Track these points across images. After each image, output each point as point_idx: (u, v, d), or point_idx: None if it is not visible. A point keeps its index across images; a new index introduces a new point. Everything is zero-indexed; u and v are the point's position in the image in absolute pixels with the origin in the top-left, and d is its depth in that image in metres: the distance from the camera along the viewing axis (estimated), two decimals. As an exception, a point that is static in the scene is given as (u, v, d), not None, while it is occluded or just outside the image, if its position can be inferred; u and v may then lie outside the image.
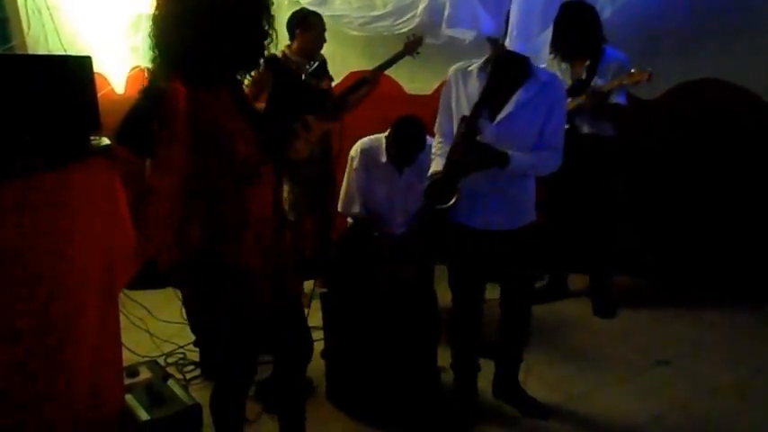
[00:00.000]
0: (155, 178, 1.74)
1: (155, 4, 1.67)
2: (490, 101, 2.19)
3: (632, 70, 2.99)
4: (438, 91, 4.10)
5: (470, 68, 2.28)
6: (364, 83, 3.44)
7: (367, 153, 3.12)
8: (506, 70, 2.18)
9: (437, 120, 2.42)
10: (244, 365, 1.96)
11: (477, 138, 2.16)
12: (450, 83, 2.33)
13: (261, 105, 1.98)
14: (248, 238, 1.75)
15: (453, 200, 2.19)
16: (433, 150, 2.42)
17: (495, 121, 2.20)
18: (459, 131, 2.18)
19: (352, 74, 3.91)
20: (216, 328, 1.89)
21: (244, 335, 1.87)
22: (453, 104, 2.31)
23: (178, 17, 1.61)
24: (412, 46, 3.34)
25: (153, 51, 1.67)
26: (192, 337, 3.17)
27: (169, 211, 1.73)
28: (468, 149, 2.15)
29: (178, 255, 1.75)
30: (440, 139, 2.40)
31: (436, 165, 2.34)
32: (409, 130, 2.95)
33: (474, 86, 2.23)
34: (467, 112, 2.21)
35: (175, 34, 1.62)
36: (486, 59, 2.26)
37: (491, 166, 2.16)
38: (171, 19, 1.63)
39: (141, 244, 2.01)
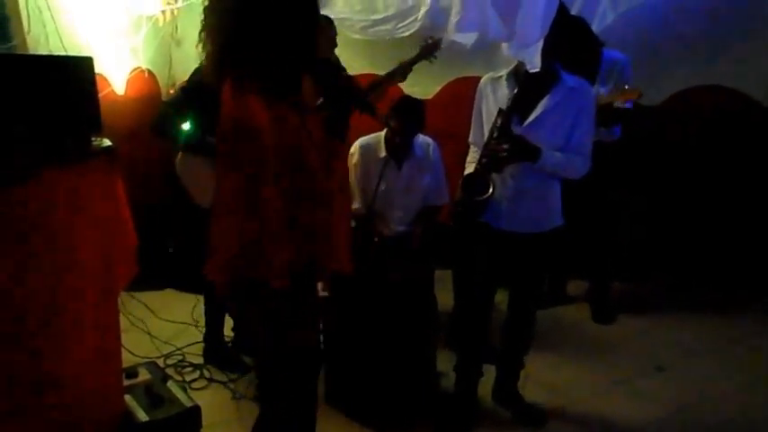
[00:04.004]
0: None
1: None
2: (520, 105, 2.22)
3: (626, 86, 3.00)
4: (438, 95, 4.17)
5: (500, 76, 2.32)
6: (380, 85, 3.34)
7: (366, 149, 3.15)
8: (535, 76, 2.20)
9: (471, 132, 2.47)
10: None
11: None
12: (481, 92, 2.38)
13: None
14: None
15: (490, 191, 2.20)
16: (468, 159, 2.46)
17: (524, 125, 2.23)
18: (495, 124, 2.21)
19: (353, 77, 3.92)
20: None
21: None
22: (484, 113, 2.36)
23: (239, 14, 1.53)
24: (429, 49, 3.20)
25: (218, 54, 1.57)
26: (191, 339, 3.17)
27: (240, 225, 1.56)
28: (503, 140, 2.17)
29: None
30: (474, 149, 2.44)
31: (470, 171, 2.39)
32: (409, 101, 3.10)
33: (504, 93, 2.27)
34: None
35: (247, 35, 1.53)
36: (516, 67, 2.29)
37: (524, 159, 2.19)
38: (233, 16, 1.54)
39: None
